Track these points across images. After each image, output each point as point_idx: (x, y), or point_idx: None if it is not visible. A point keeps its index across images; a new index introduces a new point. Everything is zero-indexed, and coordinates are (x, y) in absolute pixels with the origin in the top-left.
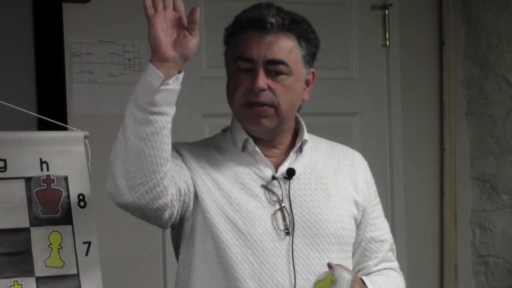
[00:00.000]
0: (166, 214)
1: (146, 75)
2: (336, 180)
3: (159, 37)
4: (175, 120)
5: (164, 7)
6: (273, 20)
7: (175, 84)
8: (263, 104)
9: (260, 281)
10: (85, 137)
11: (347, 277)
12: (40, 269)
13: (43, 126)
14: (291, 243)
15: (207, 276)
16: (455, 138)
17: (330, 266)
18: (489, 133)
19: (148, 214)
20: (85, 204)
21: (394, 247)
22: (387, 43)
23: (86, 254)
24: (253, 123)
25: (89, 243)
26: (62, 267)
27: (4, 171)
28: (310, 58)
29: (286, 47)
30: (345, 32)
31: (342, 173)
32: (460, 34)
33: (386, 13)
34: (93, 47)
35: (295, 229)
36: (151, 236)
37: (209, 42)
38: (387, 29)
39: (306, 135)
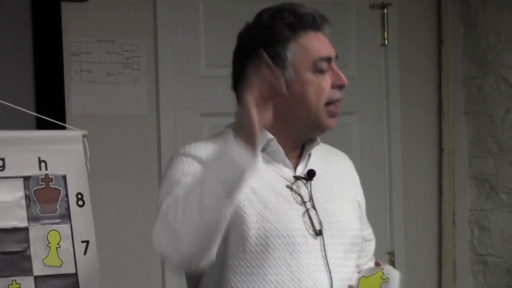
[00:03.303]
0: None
1: (239, 158)
2: (342, 183)
3: (257, 133)
4: (173, 119)
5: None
6: (324, 16)
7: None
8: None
9: (300, 282)
10: (83, 136)
11: (398, 275)
12: (38, 268)
13: (41, 125)
14: (322, 243)
15: (245, 284)
16: (453, 137)
17: (377, 263)
18: (488, 132)
19: (200, 269)
20: (84, 203)
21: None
22: (386, 42)
23: (85, 253)
24: (332, 121)
25: (87, 242)
26: (60, 266)
27: (3, 170)
28: None
29: None
30: (343, 31)
31: (344, 176)
32: (458, 34)
33: (385, 12)
34: (91, 46)
35: (323, 229)
36: (149, 235)
37: (208, 41)
38: (386, 28)
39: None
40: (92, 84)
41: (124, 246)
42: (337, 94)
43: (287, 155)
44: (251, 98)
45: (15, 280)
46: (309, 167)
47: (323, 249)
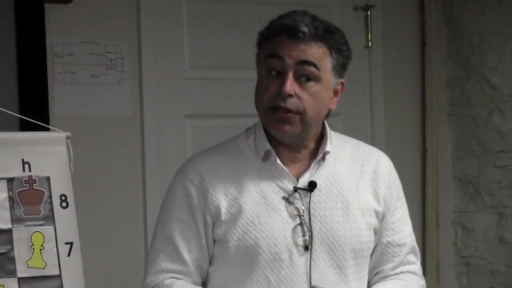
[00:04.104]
0: None
1: None
2: (358, 190)
3: None
4: (157, 120)
5: None
6: (306, 29)
7: None
8: (289, 111)
9: None
10: (67, 137)
11: None
12: (22, 270)
13: (25, 126)
14: (309, 259)
15: None
16: (437, 139)
17: None
18: (471, 134)
19: None
20: (67, 205)
21: (416, 249)
22: (370, 44)
23: (68, 255)
24: (276, 128)
25: (71, 244)
26: (44, 268)
27: None
28: (341, 68)
29: (318, 54)
30: None
31: (364, 182)
32: (442, 35)
33: (369, 14)
34: (75, 48)
35: (313, 244)
36: (133, 236)
37: (192, 43)
38: (370, 30)
39: (331, 144)
40: (75, 86)
41: (108, 248)
42: (278, 102)
43: (292, 162)
44: None
45: None
46: (320, 173)
47: (309, 265)
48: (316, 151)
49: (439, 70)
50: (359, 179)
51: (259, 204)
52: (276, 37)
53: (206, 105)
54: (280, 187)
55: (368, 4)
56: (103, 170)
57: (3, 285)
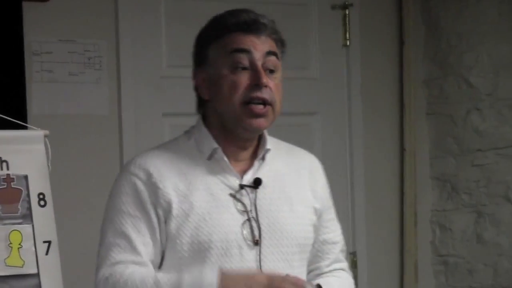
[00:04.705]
0: None
1: None
2: (298, 188)
3: None
4: (135, 119)
5: None
6: (265, 22)
7: None
8: (264, 102)
9: None
10: (45, 136)
11: None
12: (0, 268)
13: (2, 125)
14: (259, 253)
15: None
16: (415, 138)
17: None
18: (449, 133)
19: None
20: (45, 203)
21: (345, 247)
22: (348, 43)
23: (47, 254)
24: (253, 123)
25: (49, 242)
26: (22, 267)
27: None
28: (281, 59)
29: (274, 45)
30: (305, 32)
31: (303, 180)
32: (420, 34)
33: (347, 13)
34: (53, 46)
35: (262, 239)
36: None
37: (170, 41)
38: (348, 29)
39: (269, 143)
40: (53, 84)
41: (86, 246)
42: (255, 94)
43: (236, 161)
44: None
45: None
46: (261, 171)
47: (259, 259)
48: (256, 150)
49: (417, 69)
50: (298, 178)
51: (208, 201)
52: (235, 33)
53: (184, 104)
54: (226, 185)
55: (346, 2)
56: (81, 168)
57: None
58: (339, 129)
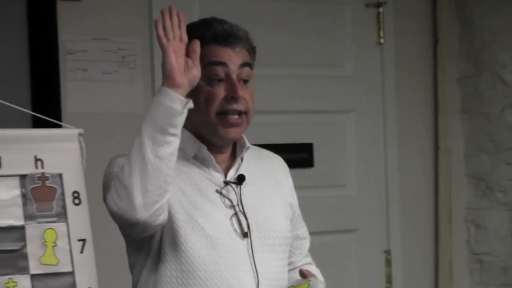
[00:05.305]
0: (158, 229)
1: (165, 99)
2: (274, 185)
3: (174, 65)
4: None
5: (174, 37)
6: (240, 34)
7: (188, 107)
8: (239, 113)
9: (227, 280)
10: (79, 134)
11: (322, 287)
12: (35, 267)
13: (37, 123)
14: (250, 244)
15: (175, 281)
16: (449, 136)
17: (303, 274)
18: (484, 131)
19: (149, 230)
20: (80, 202)
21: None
22: (382, 41)
23: (81, 252)
24: (228, 133)
25: (84, 240)
26: (57, 265)
27: None
28: (253, 67)
29: (247, 55)
30: (339, 30)
31: (276, 178)
32: (454, 32)
33: (381, 11)
34: (87, 45)
35: (250, 231)
36: None
37: None
38: (382, 27)
39: (247, 141)
40: (87, 83)
41: (121, 244)
42: (231, 105)
43: (217, 160)
44: (170, 47)
45: (12, 278)
46: (241, 170)
47: (250, 250)
48: (233, 151)
49: (451, 67)
50: (272, 175)
51: (197, 196)
52: (210, 45)
53: None
54: (212, 181)
55: (380, 0)
56: None
57: (16, 282)
58: (374, 127)
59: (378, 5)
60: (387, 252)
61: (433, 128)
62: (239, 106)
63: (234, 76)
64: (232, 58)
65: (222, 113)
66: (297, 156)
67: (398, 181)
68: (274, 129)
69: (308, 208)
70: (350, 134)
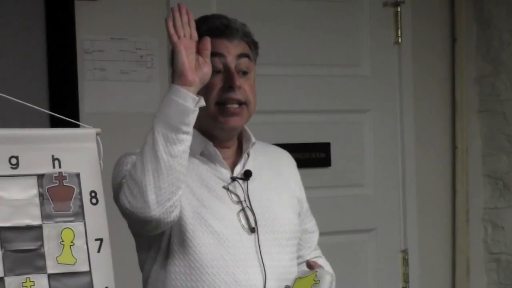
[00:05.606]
0: (170, 225)
1: (177, 97)
2: (281, 180)
3: (186, 62)
4: None
5: (184, 35)
6: (238, 27)
7: (200, 105)
8: (239, 101)
9: (235, 276)
10: (97, 134)
11: (329, 278)
12: (52, 266)
13: (55, 123)
14: (257, 240)
15: (184, 277)
16: (467, 135)
17: (310, 266)
18: (501, 130)
19: (162, 227)
20: (97, 201)
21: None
22: (399, 40)
23: (98, 251)
24: (229, 122)
25: (101, 240)
26: (74, 264)
27: (17, 168)
28: (255, 60)
29: (246, 48)
30: (357, 29)
31: (283, 173)
32: (472, 31)
33: (398, 10)
34: (105, 44)
35: (257, 226)
36: None
37: None
38: (399, 26)
39: (253, 137)
40: (105, 82)
41: None
42: (229, 95)
43: (223, 156)
44: (181, 45)
45: (29, 278)
46: (248, 166)
47: (258, 245)
48: (238, 147)
49: (469, 66)
50: (279, 171)
51: (204, 192)
52: (208, 37)
53: None
54: (219, 178)
55: (398, 0)
56: None
57: (34, 281)
58: (391, 127)
59: (396, 4)
60: (404, 251)
61: (451, 127)
62: (237, 95)
63: (232, 66)
64: (229, 49)
65: (221, 103)
66: (315, 155)
67: (415, 180)
68: (292, 129)
69: (325, 208)
70: (368, 134)
